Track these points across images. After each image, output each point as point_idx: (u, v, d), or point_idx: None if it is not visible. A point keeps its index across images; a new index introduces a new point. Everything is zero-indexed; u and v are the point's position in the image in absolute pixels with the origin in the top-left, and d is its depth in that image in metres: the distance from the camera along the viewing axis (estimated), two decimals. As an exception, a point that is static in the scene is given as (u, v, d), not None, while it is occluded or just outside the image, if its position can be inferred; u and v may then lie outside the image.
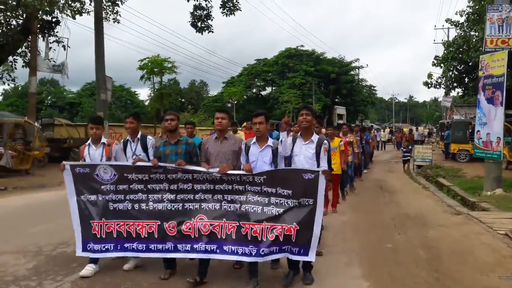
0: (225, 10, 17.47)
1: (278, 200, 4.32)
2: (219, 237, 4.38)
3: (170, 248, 4.50)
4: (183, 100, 53.24)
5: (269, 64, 46.55)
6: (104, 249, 4.65)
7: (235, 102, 34.30)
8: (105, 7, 16.95)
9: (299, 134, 4.89)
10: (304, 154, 4.67)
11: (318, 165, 4.56)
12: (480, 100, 10.50)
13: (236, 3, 17.46)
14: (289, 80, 43.49)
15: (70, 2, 15.44)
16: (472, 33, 18.69)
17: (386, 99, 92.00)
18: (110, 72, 16.97)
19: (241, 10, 17.76)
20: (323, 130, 14.19)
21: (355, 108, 48.76)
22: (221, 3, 17.33)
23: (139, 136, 5.25)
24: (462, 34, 19.60)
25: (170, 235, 4.51)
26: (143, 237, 4.56)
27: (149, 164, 4.70)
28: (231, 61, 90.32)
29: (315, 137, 4.70)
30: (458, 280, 4.64)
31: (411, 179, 13.88)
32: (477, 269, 5.01)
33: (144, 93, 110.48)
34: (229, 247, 4.33)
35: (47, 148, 15.16)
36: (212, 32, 17.66)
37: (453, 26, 20.77)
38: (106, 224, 4.65)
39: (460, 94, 24.05)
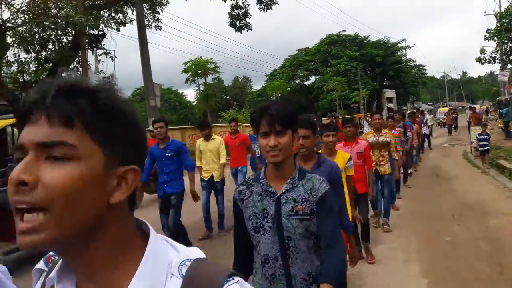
0: (262, 6, 17.40)
1: None
2: None
3: None
4: (228, 97, 53.85)
5: (311, 53, 45.90)
6: None
7: (279, 95, 34.21)
8: (146, 15, 17.45)
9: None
10: None
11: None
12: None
13: (272, -4, 17.33)
14: (332, 67, 42.71)
15: (113, 14, 16.08)
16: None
17: (438, 78, 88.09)
18: (157, 76, 17.51)
19: (278, 4, 17.61)
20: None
21: (405, 90, 47.03)
22: (257, -1, 17.29)
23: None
24: (516, 3, 18.32)
25: None
26: None
27: None
28: (272, 55, 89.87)
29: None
30: (525, 275, 4.43)
31: (469, 163, 13.24)
32: (546, 261, 4.75)
33: (191, 94, 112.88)
34: None
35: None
36: (251, 29, 17.65)
37: (505, -5, 19.46)
38: None
39: (518, 67, 22.54)
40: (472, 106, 31.36)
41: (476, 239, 5.76)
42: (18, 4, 14.07)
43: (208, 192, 6.71)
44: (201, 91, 23.69)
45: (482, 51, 20.38)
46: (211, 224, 6.72)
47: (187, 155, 5.85)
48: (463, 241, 5.72)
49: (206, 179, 6.64)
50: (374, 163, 6.05)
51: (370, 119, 15.28)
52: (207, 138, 6.70)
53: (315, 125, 2.93)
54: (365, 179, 5.08)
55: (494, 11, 22.67)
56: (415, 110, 24.14)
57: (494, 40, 19.85)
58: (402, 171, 8.79)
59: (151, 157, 5.69)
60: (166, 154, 5.62)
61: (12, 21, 14.09)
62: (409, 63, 49.20)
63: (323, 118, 15.73)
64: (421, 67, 51.95)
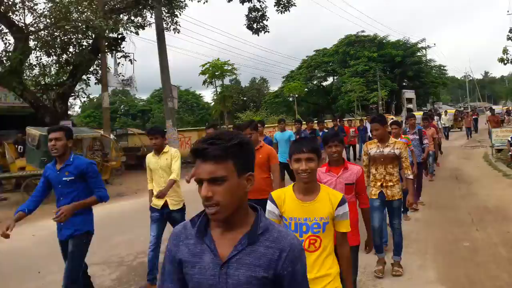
0: (279, 8, 17.43)
1: None
2: None
3: None
4: (244, 98, 54.03)
5: (329, 54, 45.74)
6: None
7: (296, 96, 34.15)
8: (165, 18, 17.66)
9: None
10: None
11: None
12: None
13: (290, -1, 17.34)
14: (351, 68, 42.42)
15: (132, 18, 16.33)
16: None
17: (459, 78, 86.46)
18: (174, 77, 17.74)
19: (295, 6, 17.62)
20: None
21: (424, 91, 46.43)
22: (275, 1, 17.31)
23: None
24: (540, 2, 17.83)
25: None
26: None
27: None
28: (290, 56, 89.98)
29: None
30: (546, 283, 4.32)
31: (490, 165, 12.95)
32: None
33: (208, 95, 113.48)
34: None
35: (123, 157, 16.19)
36: (268, 32, 17.72)
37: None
38: None
39: (542, 67, 21.91)
40: (492, 107, 29.21)
41: (496, 245, 5.64)
42: (40, 9, 14.47)
43: (160, 226, 4.88)
44: (218, 93, 23.84)
45: (505, 51, 19.91)
46: (156, 273, 4.75)
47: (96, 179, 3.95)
48: (481, 247, 5.61)
49: (159, 207, 4.86)
50: (379, 182, 4.81)
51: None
52: (158, 150, 4.92)
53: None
54: (356, 224, 3.33)
55: (517, 10, 22.12)
56: (427, 111, 22.05)
57: (517, 40, 19.38)
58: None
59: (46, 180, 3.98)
60: (64, 179, 3.83)
61: (35, 25, 14.48)
62: (429, 63, 48.56)
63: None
64: (442, 67, 51.19)
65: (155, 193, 4.88)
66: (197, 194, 1.40)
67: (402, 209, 5.22)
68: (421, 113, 17.36)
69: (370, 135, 12.99)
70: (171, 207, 4.87)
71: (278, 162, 5.27)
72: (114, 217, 9.26)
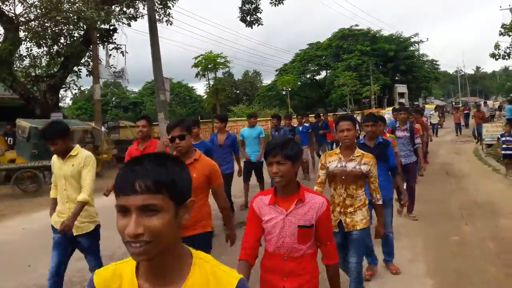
0: (273, 0, 17.36)
1: None
2: None
3: None
4: (238, 91, 53.90)
5: (323, 48, 45.71)
6: None
7: (289, 89, 34.12)
8: (157, 10, 17.50)
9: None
10: None
11: None
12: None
13: (284, -9, 17.26)
14: (344, 62, 42.46)
15: (124, 9, 16.17)
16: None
17: (451, 73, 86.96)
18: (167, 70, 17.64)
19: (289, -2, 17.56)
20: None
21: (417, 85, 46.69)
22: (269, -7, 17.23)
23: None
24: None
25: None
26: None
27: None
28: (283, 49, 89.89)
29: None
30: (532, 277, 4.38)
31: (480, 160, 13.08)
32: (555, 263, 4.69)
33: (201, 88, 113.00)
34: None
35: (114, 150, 16.10)
36: (262, 24, 17.66)
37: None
38: None
39: (533, 63, 22.07)
40: (478, 103, 27.98)
41: (484, 239, 5.71)
42: (30, -1, 14.28)
43: (63, 252, 3.77)
44: (210, 86, 23.76)
45: (497, 46, 20.09)
46: None
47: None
48: (470, 241, 5.68)
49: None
50: (338, 208, 3.56)
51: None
52: (64, 154, 3.69)
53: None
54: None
55: (510, 5, 22.24)
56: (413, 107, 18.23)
57: (509, 36, 19.54)
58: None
59: None
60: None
61: (25, 15, 14.27)
62: (421, 58, 48.81)
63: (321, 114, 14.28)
64: (434, 62, 51.49)
65: (58, 208, 3.81)
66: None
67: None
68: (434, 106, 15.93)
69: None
70: (75, 232, 3.73)
71: (222, 182, 3.60)
72: (105, 210, 9.21)
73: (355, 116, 14.20)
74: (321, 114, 14.28)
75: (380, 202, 3.69)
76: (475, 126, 18.27)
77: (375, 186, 3.62)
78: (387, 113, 17.70)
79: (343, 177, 3.51)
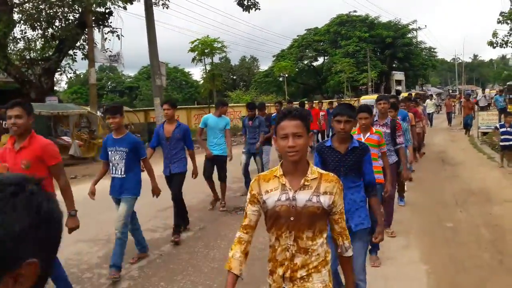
0: (271, -15, 17.16)
1: None
2: None
3: None
4: (234, 77, 53.60)
5: (321, 34, 45.38)
6: None
7: (286, 76, 33.97)
8: (153, -8, 17.28)
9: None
10: None
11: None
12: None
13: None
14: (342, 48, 42.25)
15: (120, -9, 15.92)
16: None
17: (448, 60, 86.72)
18: (163, 54, 17.42)
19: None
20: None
21: (414, 72, 46.59)
22: (267, -23, 17.04)
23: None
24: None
25: None
26: None
27: None
28: (281, 35, 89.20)
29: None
30: (525, 264, 4.44)
31: (475, 148, 13.15)
32: (547, 250, 4.76)
33: (197, 73, 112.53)
34: None
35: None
36: (259, 9, 17.50)
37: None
38: None
39: (530, 51, 22.02)
40: (467, 93, 26.79)
41: (478, 226, 5.77)
42: (24, -20, 14.04)
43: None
44: (207, 71, 23.59)
45: (495, 34, 19.98)
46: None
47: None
48: (464, 228, 5.73)
49: None
50: (281, 269, 2.15)
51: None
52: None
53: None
54: None
55: (508, -7, 22.05)
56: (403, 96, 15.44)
57: (508, 24, 19.45)
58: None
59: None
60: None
61: (19, -3, 14.07)
62: (419, 45, 48.56)
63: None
64: (432, 50, 51.25)
65: None
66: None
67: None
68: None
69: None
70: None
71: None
72: (101, 194, 9.22)
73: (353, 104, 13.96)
74: (306, 102, 13.72)
75: (350, 254, 2.29)
76: (462, 116, 17.92)
77: (341, 227, 2.23)
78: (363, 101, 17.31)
79: (291, 219, 2.11)
